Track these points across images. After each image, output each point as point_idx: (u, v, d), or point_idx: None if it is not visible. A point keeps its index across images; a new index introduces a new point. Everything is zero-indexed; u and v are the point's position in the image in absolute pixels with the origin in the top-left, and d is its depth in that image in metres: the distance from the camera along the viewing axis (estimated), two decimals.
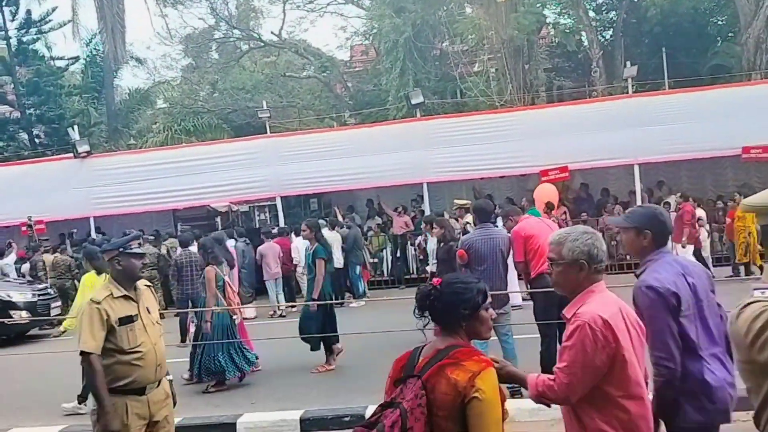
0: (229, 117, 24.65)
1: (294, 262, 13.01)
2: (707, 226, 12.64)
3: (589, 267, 2.59)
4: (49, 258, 13.86)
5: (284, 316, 12.24)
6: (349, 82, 26.52)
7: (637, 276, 3.05)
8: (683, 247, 11.76)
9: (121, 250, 3.73)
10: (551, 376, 2.55)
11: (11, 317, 10.87)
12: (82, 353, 3.55)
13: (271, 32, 26.97)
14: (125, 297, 3.71)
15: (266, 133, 16.61)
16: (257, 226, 17.75)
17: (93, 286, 6.75)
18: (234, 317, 7.33)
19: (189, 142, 21.24)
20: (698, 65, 20.33)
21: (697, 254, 11.72)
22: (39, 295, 12.20)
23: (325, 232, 13.34)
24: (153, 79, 29.28)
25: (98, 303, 3.62)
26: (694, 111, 13.63)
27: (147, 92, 27.80)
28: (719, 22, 23.21)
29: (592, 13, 22.06)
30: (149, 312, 3.79)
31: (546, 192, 12.55)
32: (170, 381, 3.95)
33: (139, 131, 25.45)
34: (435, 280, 2.41)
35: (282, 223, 15.31)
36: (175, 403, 3.97)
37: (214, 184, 15.22)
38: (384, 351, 8.17)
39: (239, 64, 27.07)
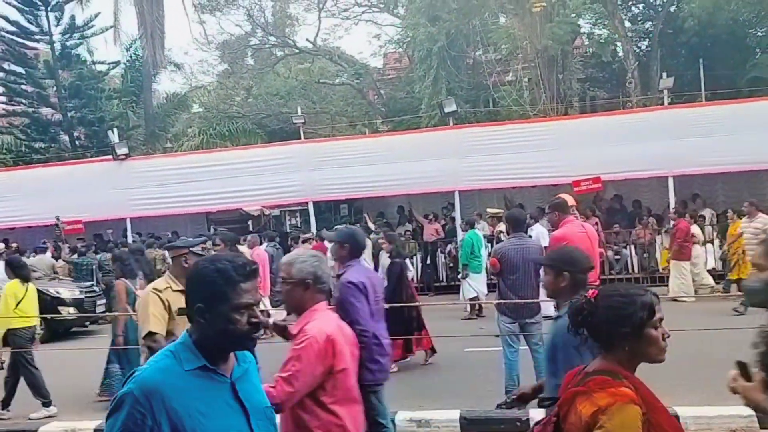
0: (263, 122, 25.01)
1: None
2: (701, 243, 12.49)
3: (313, 286, 2.84)
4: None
5: None
6: (382, 89, 26.70)
7: None
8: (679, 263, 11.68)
9: (190, 249, 3.99)
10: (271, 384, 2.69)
11: (60, 313, 11.16)
12: (148, 335, 3.75)
13: (306, 39, 27.34)
14: (182, 291, 3.86)
15: (300, 138, 16.82)
16: (288, 230, 17.97)
17: (15, 295, 6.93)
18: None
19: (224, 147, 21.63)
20: (736, 77, 20.02)
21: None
22: (86, 292, 12.57)
23: None
24: (190, 83, 29.89)
25: (160, 291, 3.87)
26: (731, 123, 13.43)
27: (184, 97, 28.37)
28: (759, 34, 22.80)
29: (627, 24, 21.88)
30: None
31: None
32: None
33: (175, 135, 25.97)
34: (590, 292, 2.13)
35: (314, 228, 15.48)
36: None
37: (248, 188, 15.44)
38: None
39: (274, 71, 27.45)
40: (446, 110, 15.05)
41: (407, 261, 9.46)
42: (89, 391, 7.41)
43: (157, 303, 3.83)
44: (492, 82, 19.68)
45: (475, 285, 11.30)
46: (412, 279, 12.39)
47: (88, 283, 13.16)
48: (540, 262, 5.92)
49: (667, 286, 12.21)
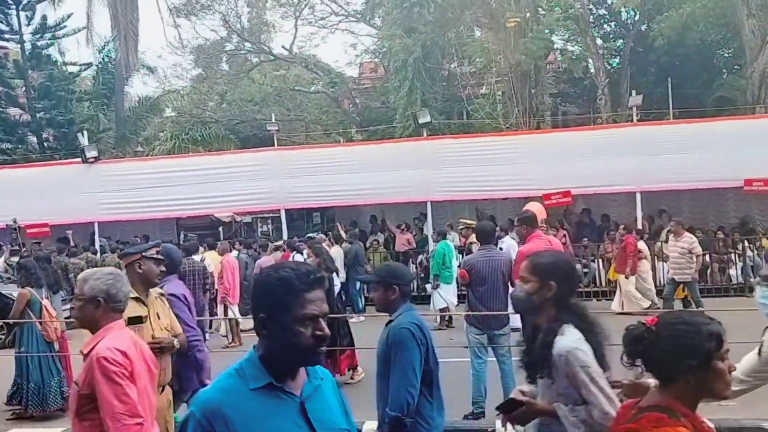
0: (237, 128, 24.86)
1: None
2: (648, 258, 12.74)
3: (106, 304, 2.82)
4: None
5: None
6: (357, 98, 26.77)
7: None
8: (626, 278, 11.89)
9: (142, 254, 3.87)
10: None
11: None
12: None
13: (282, 46, 27.30)
14: (137, 299, 3.80)
15: (273, 145, 16.78)
16: (258, 237, 17.84)
17: None
18: (54, 344, 6.90)
19: (196, 152, 21.45)
20: (703, 96, 20.53)
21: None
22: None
23: (328, 247, 13.57)
24: (163, 87, 29.59)
25: (142, 300, 3.82)
26: (697, 142, 13.77)
27: (156, 100, 28.05)
28: (725, 55, 23.46)
29: (599, 41, 22.32)
30: (159, 318, 3.88)
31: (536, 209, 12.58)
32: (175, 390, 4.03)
33: (147, 139, 25.67)
34: (649, 319, 1.97)
35: (285, 236, 15.42)
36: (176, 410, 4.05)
37: (220, 194, 15.33)
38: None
39: (249, 77, 27.34)
40: (420, 121, 15.16)
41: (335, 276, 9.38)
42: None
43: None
44: (466, 95, 19.89)
45: (446, 296, 11.36)
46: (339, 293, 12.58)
47: None
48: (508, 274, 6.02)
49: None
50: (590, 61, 20.93)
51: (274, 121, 17.37)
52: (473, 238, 9.84)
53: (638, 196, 14.14)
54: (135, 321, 3.73)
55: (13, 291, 11.71)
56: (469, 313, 6.13)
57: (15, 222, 14.80)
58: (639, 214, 14.24)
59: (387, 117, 22.64)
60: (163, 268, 4.05)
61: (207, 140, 23.57)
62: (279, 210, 16.05)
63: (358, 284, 13.48)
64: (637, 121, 14.84)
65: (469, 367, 7.54)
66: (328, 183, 14.98)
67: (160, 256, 4.03)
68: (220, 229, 19.81)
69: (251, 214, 19.52)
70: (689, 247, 10.37)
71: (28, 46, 22.10)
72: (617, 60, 23.90)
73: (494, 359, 6.23)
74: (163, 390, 3.83)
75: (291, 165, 15.47)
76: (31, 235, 15.49)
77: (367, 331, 11.59)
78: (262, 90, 26.42)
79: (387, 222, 16.80)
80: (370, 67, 28.10)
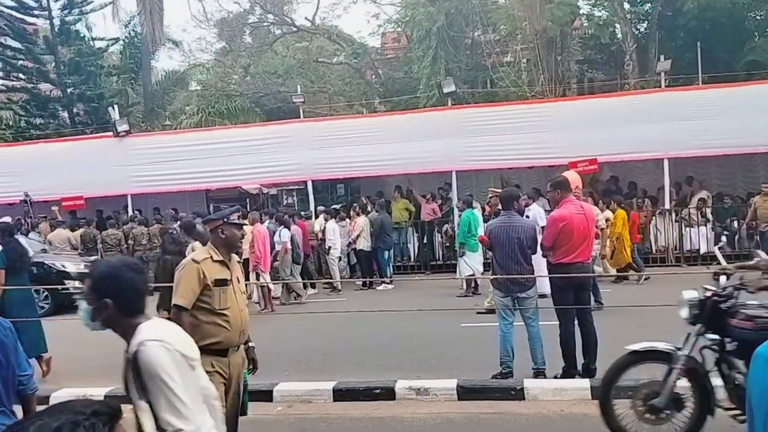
0: (261, 101, 25.01)
1: (328, 245, 13.39)
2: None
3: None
4: (63, 233, 14.36)
5: (300, 296, 12.35)
6: (380, 69, 26.68)
7: None
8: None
9: (225, 220, 4.00)
10: None
11: (65, 286, 11.38)
12: (175, 306, 3.83)
13: (305, 18, 27.25)
14: (221, 262, 3.99)
15: (298, 117, 16.91)
16: (278, 209, 18.06)
17: None
18: None
19: (222, 125, 21.68)
20: (734, 60, 20.08)
21: None
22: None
23: (358, 218, 13.78)
24: (188, 61, 29.85)
25: (198, 263, 3.89)
26: (727, 107, 13.60)
27: (182, 74, 28.33)
28: (757, 17, 22.81)
29: (626, 5, 21.88)
30: (239, 281, 4.09)
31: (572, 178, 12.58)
32: (252, 347, 4.23)
33: (173, 113, 25.96)
34: None
35: (312, 207, 15.66)
36: (256, 369, 4.27)
37: (247, 166, 15.59)
38: (410, 332, 8.55)
39: (272, 49, 27.38)
40: (445, 90, 15.15)
41: None
42: (95, 361, 7.62)
43: (192, 275, 3.85)
44: (491, 63, 19.73)
45: (471, 263, 11.53)
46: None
47: (93, 258, 13.37)
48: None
49: (662, 266, 12.52)
50: (617, 26, 20.57)
51: (299, 93, 17.45)
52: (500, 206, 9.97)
53: (666, 163, 14.06)
54: (221, 283, 3.95)
55: (65, 262, 12.27)
56: (490, 276, 6.29)
57: (27, 196, 15.25)
58: (666, 181, 14.17)
59: (410, 87, 22.57)
60: (245, 232, 4.25)
61: (232, 113, 23.78)
62: (303, 182, 16.26)
63: (386, 253, 13.72)
64: (666, 86, 14.65)
65: (496, 330, 7.77)
66: (354, 154, 15.13)
67: (241, 221, 4.22)
68: (247, 200, 20.14)
69: (277, 185, 19.77)
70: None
71: (56, 22, 22.39)
72: (645, 25, 23.41)
73: (521, 323, 6.37)
74: (238, 348, 4.04)
75: (317, 136, 15.62)
76: (67, 207, 15.96)
77: (395, 297, 11.90)
78: (285, 62, 26.46)
79: (413, 191, 16.93)
80: (393, 37, 27.92)
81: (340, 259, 14.00)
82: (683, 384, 4.54)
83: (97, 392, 6.29)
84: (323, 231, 13.82)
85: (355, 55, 25.98)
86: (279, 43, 28.11)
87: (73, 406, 1.25)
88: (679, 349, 4.50)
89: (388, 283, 13.44)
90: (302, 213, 14.98)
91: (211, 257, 3.96)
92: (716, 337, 4.36)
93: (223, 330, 3.90)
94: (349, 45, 26.48)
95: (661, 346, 4.62)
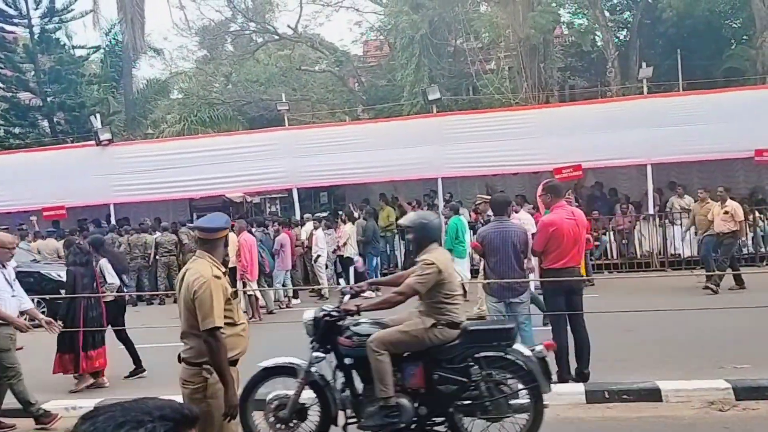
0: (244, 109, 24.93)
1: (316, 253, 13.33)
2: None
3: None
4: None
5: (290, 307, 12.40)
6: (363, 76, 26.74)
7: None
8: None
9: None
10: None
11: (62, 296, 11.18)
12: (216, 328, 3.59)
13: (288, 26, 27.25)
14: (224, 274, 3.88)
15: (282, 125, 16.85)
16: (266, 217, 17.98)
17: None
18: None
19: (204, 133, 21.56)
20: (713, 68, 20.45)
21: None
22: None
23: (342, 224, 13.75)
24: (169, 69, 29.67)
25: (219, 278, 3.70)
26: (707, 113, 13.81)
27: (164, 83, 28.14)
28: (734, 25, 23.29)
29: (606, 14, 22.20)
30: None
31: None
32: None
33: (155, 121, 25.77)
34: None
35: (298, 215, 15.59)
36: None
37: (232, 174, 15.48)
38: None
39: (254, 57, 27.33)
40: (430, 98, 15.21)
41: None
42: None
43: (220, 292, 3.65)
44: (474, 71, 19.87)
45: (459, 270, 11.49)
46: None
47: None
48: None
49: (646, 271, 12.65)
50: (598, 34, 20.85)
51: (284, 100, 17.40)
52: (490, 212, 10.00)
53: (649, 169, 14.23)
54: (234, 296, 3.93)
55: (60, 272, 12.04)
56: (483, 281, 6.29)
57: None
58: (650, 186, 14.33)
59: (393, 95, 22.65)
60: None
61: (215, 121, 23.69)
62: (286, 190, 16.19)
63: (375, 260, 13.65)
64: (648, 93, 14.85)
65: None
66: (340, 161, 15.10)
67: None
68: (231, 209, 20.00)
69: (261, 194, 19.67)
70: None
71: (36, 30, 22.10)
72: (624, 32, 23.78)
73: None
74: None
75: (302, 144, 15.57)
76: (48, 218, 15.72)
77: None
78: (268, 70, 26.43)
79: (400, 198, 16.93)
80: (375, 45, 28.03)
81: (327, 266, 13.93)
82: (310, 395, 4.81)
83: (86, 403, 6.17)
84: (309, 239, 13.76)
85: (337, 63, 26.02)
86: (261, 51, 28.06)
87: (146, 405, 1.25)
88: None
89: (374, 291, 13.34)
90: (291, 221, 14.87)
91: (221, 271, 3.81)
92: (322, 354, 4.70)
93: (242, 340, 3.91)
94: (331, 53, 26.51)
95: (286, 361, 4.90)
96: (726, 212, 10.89)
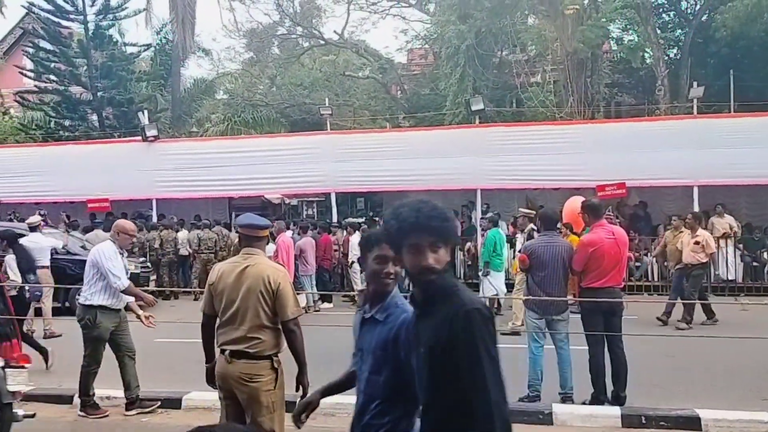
0: (286, 112, 25.19)
1: (350, 259, 13.34)
2: None
3: None
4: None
5: (318, 311, 12.43)
6: (405, 84, 26.76)
7: None
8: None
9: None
10: None
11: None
12: (296, 318, 3.85)
13: (334, 31, 27.49)
14: None
15: (324, 129, 16.94)
16: (303, 220, 18.12)
17: None
18: None
19: (247, 134, 21.84)
20: (766, 90, 19.85)
21: None
22: (141, 267, 13.28)
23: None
24: (216, 70, 30.20)
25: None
26: (759, 136, 13.41)
27: (210, 83, 28.66)
28: None
29: (658, 30, 21.78)
30: None
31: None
32: None
33: (199, 120, 26.23)
34: None
35: (335, 219, 15.64)
36: None
37: (271, 175, 15.61)
38: None
39: (299, 61, 27.61)
40: (473, 108, 15.10)
41: None
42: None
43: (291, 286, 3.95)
44: (519, 83, 19.68)
45: (495, 283, 11.37)
46: None
47: (142, 259, 13.88)
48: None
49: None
50: (648, 51, 20.46)
51: (327, 105, 17.51)
52: (530, 226, 9.87)
53: (695, 191, 13.86)
54: None
55: None
56: (528, 297, 6.17)
57: None
58: (696, 208, 13.93)
59: (435, 104, 22.58)
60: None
61: (258, 123, 23.97)
62: (324, 194, 16.23)
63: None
64: (698, 113, 14.49)
65: (518, 352, 7.63)
66: (379, 168, 15.10)
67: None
68: (268, 210, 20.22)
69: (299, 196, 19.83)
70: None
71: (91, 26, 22.76)
72: (675, 51, 23.28)
73: (552, 346, 6.25)
74: None
75: (342, 149, 15.60)
76: (92, 209, 16.10)
77: None
78: (312, 74, 26.68)
79: None
80: (420, 54, 28.03)
81: (362, 272, 13.88)
82: None
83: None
84: (344, 244, 13.77)
85: (381, 70, 26.10)
86: (306, 56, 28.35)
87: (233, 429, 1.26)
88: None
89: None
90: (331, 225, 14.91)
91: None
92: None
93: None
94: (376, 60, 26.62)
95: None
96: (696, 242, 9.97)
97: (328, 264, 13.70)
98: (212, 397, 6.09)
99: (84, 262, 6.30)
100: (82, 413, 6.03)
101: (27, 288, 8.41)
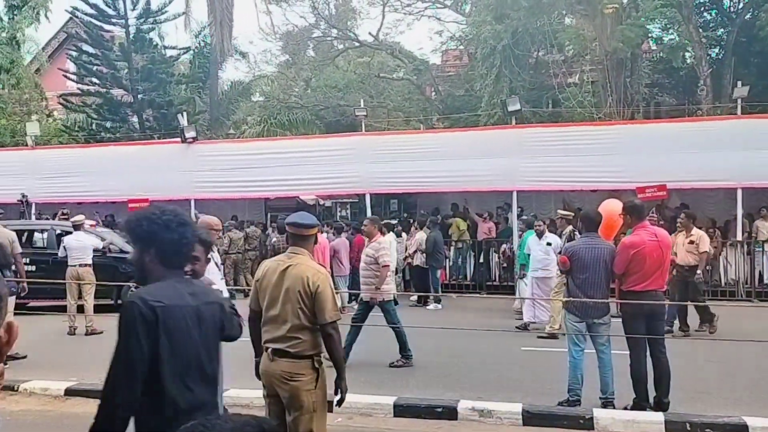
0: (321, 114, 25.33)
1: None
2: None
3: None
4: None
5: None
6: (440, 86, 26.67)
7: None
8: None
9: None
10: None
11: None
12: (334, 322, 3.79)
13: (369, 33, 27.54)
14: None
15: (358, 131, 17.00)
16: (337, 221, 18.19)
17: None
18: None
19: (282, 136, 22.04)
20: None
21: None
22: None
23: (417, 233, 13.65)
24: (253, 73, 30.55)
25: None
26: None
27: (247, 85, 29.02)
28: None
29: (699, 29, 21.27)
30: None
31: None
32: None
33: (236, 122, 26.57)
34: None
35: None
36: None
37: (306, 177, 15.71)
38: (470, 351, 8.40)
39: (333, 63, 27.75)
40: (510, 109, 14.96)
41: None
42: None
43: (331, 287, 3.87)
44: (556, 83, 19.43)
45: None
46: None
47: None
48: None
49: (731, 300, 11.96)
50: (689, 50, 20.00)
51: (362, 106, 17.57)
52: (569, 228, 9.75)
53: (739, 193, 13.49)
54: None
55: None
56: (569, 299, 6.08)
57: (24, 197, 15.73)
58: (740, 211, 13.60)
59: (470, 105, 22.43)
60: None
61: (293, 125, 24.16)
62: (358, 195, 16.26)
63: (438, 272, 13.44)
64: (742, 114, 14.11)
65: (554, 356, 7.53)
66: (414, 169, 15.06)
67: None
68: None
69: (334, 198, 19.93)
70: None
71: (132, 29, 23.25)
72: (716, 50, 22.70)
73: (592, 350, 6.15)
74: None
75: (377, 150, 15.62)
76: (133, 209, 16.39)
77: (450, 316, 11.71)
78: (346, 76, 26.77)
79: (470, 210, 16.76)
80: (455, 55, 27.89)
81: (396, 272, 13.83)
82: None
83: None
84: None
85: (416, 72, 26.04)
86: (341, 58, 28.47)
87: (229, 422, 1.26)
88: None
89: (438, 302, 13.16)
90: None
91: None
92: None
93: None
94: (410, 61, 26.58)
95: None
96: (691, 242, 9.46)
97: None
98: (250, 395, 6.16)
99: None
100: None
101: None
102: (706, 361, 7.83)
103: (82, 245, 10.30)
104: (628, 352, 6.07)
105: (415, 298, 13.43)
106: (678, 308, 9.28)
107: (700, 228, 10.14)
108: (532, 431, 5.63)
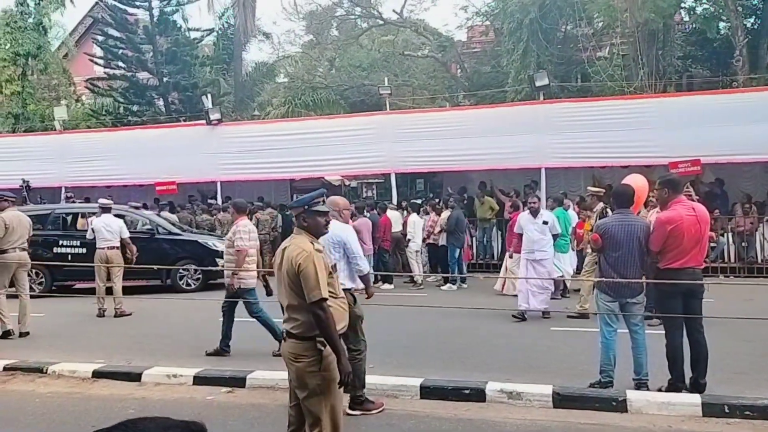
0: (346, 93, 25.18)
1: (408, 237, 13.21)
2: None
3: None
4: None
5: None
6: (466, 62, 26.25)
7: None
8: (510, 257, 11.31)
9: (306, 207, 3.81)
10: None
11: (217, 265, 11.66)
12: (322, 299, 3.61)
13: (393, 10, 27.21)
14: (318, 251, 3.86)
15: (382, 110, 16.79)
16: (362, 200, 18.06)
17: None
18: None
19: (307, 116, 21.94)
20: None
21: None
22: None
23: (444, 212, 13.44)
24: (277, 53, 30.46)
25: (320, 252, 3.75)
26: None
27: (271, 66, 28.95)
28: None
29: None
30: None
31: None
32: None
33: (261, 103, 26.55)
34: None
35: (395, 200, 15.50)
36: None
37: (332, 157, 15.62)
38: (496, 332, 8.27)
39: (357, 42, 27.49)
40: (537, 84, 14.61)
41: None
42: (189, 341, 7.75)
43: (322, 264, 3.67)
44: (585, 57, 18.93)
45: (561, 265, 11.02)
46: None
47: None
48: None
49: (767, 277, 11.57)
50: (724, 20, 19.30)
51: (386, 85, 17.33)
52: (599, 206, 9.48)
53: None
54: (334, 269, 3.97)
55: (216, 242, 12.60)
56: (601, 279, 5.88)
57: (25, 182, 15.83)
58: None
59: (497, 81, 22.05)
60: (329, 218, 4.00)
61: (318, 105, 24.07)
62: (383, 175, 16.10)
63: (457, 252, 13.04)
64: None
65: (585, 336, 7.35)
66: (440, 147, 14.87)
67: (324, 208, 3.90)
68: (328, 192, 20.26)
69: (359, 178, 19.80)
70: None
71: (155, 12, 23.29)
72: (751, 20, 21.87)
73: (626, 330, 5.96)
74: None
75: (402, 129, 15.44)
76: (161, 192, 16.53)
77: (476, 295, 11.57)
78: (371, 56, 26.54)
79: (496, 189, 16.49)
80: (480, 31, 27.39)
81: (419, 252, 13.66)
82: None
83: (186, 372, 6.38)
84: (404, 224, 13.62)
85: (441, 49, 25.67)
86: (365, 37, 28.20)
87: (153, 424, 1.24)
88: None
89: (453, 284, 12.90)
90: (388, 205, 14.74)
91: (318, 245, 3.84)
92: None
93: (344, 314, 3.98)
94: (435, 38, 26.21)
95: None
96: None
97: (388, 245, 13.58)
98: (275, 376, 6.13)
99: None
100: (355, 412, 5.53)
101: None
102: (744, 341, 7.57)
103: (109, 228, 10.35)
104: (661, 332, 5.86)
105: (434, 278, 13.26)
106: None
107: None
108: (563, 413, 5.47)
